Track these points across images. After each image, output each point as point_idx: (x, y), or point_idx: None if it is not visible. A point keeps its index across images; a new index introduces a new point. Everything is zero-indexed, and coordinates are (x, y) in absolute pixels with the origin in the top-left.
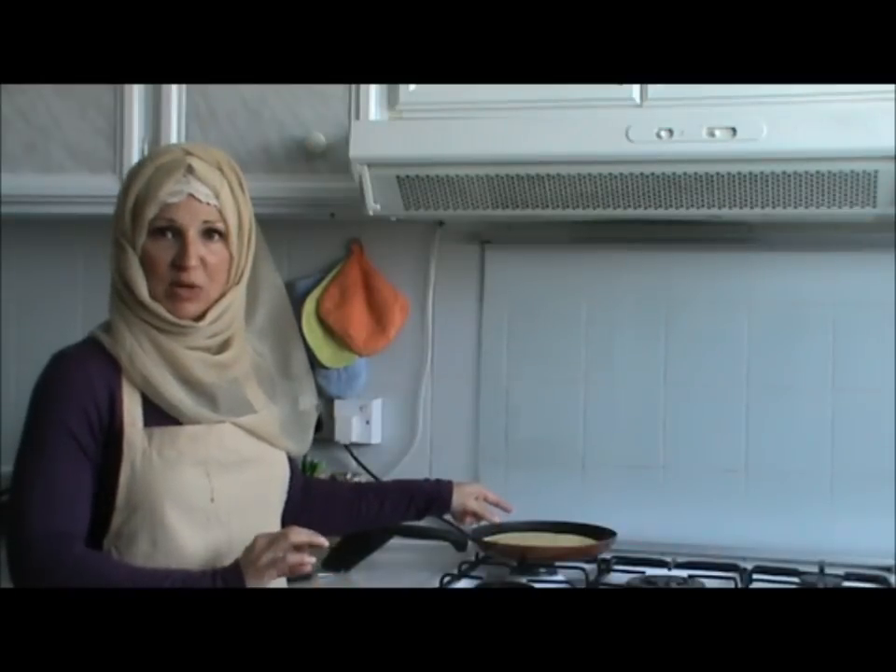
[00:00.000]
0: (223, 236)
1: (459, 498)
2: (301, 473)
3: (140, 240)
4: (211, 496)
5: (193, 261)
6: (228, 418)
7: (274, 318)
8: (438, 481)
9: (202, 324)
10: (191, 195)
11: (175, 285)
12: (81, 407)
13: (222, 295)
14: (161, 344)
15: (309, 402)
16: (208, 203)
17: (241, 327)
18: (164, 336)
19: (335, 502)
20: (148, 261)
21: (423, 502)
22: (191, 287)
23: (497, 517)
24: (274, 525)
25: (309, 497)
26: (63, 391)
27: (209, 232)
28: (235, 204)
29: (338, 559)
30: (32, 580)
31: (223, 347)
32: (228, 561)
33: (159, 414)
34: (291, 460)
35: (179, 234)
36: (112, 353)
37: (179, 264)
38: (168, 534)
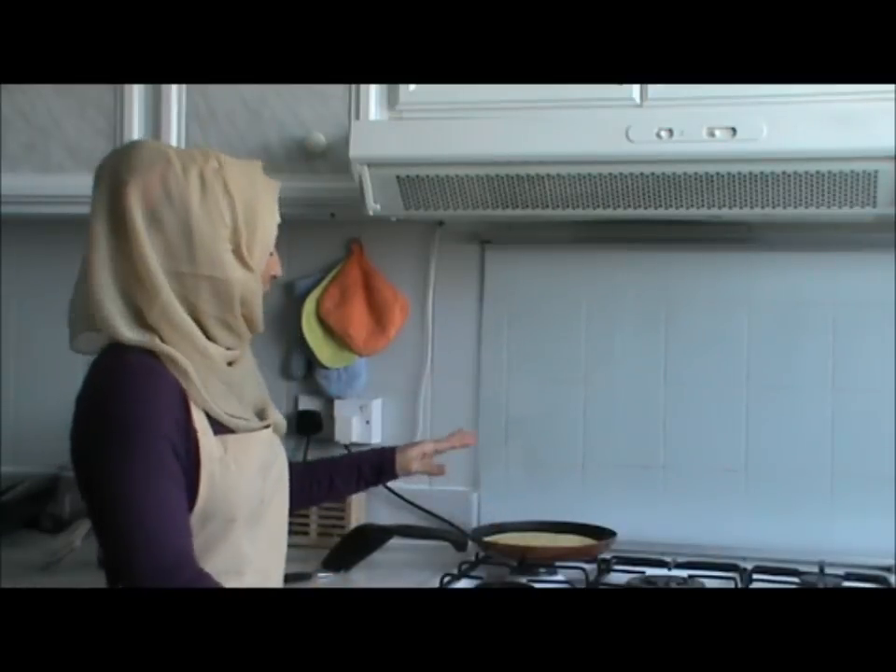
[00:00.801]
0: None
1: (402, 463)
2: None
3: (261, 264)
4: (262, 497)
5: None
6: (264, 421)
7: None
8: (382, 449)
9: (262, 329)
10: None
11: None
12: (173, 417)
13: None
14: (216, 358)
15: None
16: None
17: None
18: (216, 348)
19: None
20: (262, 279)
21: (370, 473)
22: None
23: (443, 470)
24: (287, 519)
25: None
26: (155, 401)
27: None
28: None
29: (338, 559)
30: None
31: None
32: (264, 559)
33: (218, 424)
34: None
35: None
36: (170, 367)
37: (275, 275)
38: (238, 539)
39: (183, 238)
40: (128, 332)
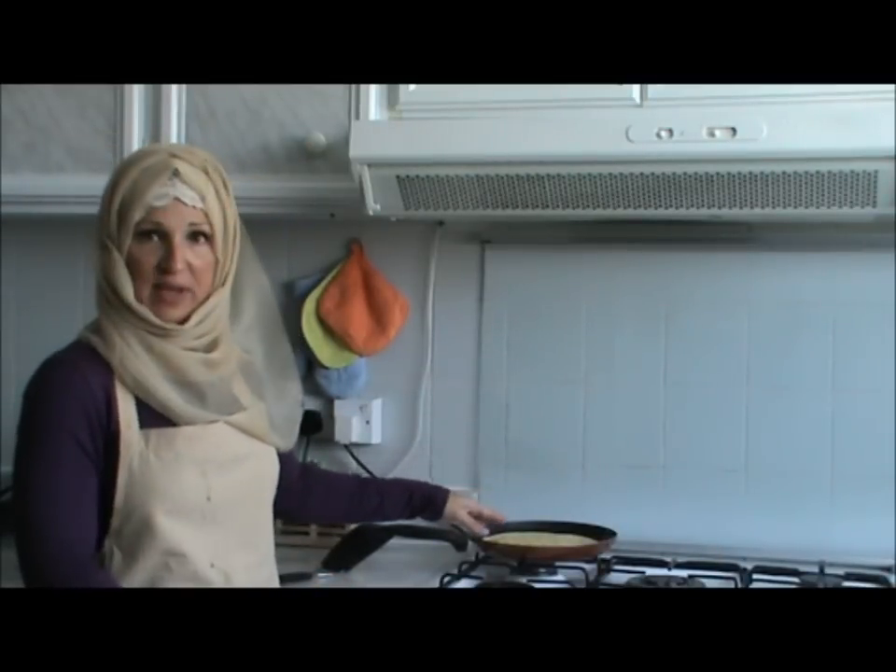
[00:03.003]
0: (208, 239)
1: (452, 507)
2: (299, 461)
3: (126, 242)
4: (207, 494)
5: (180, 265)
6: (218, 417)
7: (261, 316)
8: (437, 486)
9: (187, 326)
10: (177, 198)
11: (160, 287)
12: (83, 411)
13: (207, 297)
14: (151, 345)
15: (295, 397)
16: (194, 207)
17: (226, 327)
18: (154, 337)
19: (337, 491)
20: (134, 264)
21: (420, 503)
22: (178, 289)
23: (486, 531)
24: (266, 520)
25: (309, 483)
26: (63, 397)
27: (195, 235)
28: (221, 207)
29: (338, 559)
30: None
31: (210, 347)
32: (224, 558)
33: (153, 416)
34: (283, 452)
35: (165, 237)
36: (104, 356)
37: (165, 267)
38: (166, 534)
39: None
40: (84, 331)
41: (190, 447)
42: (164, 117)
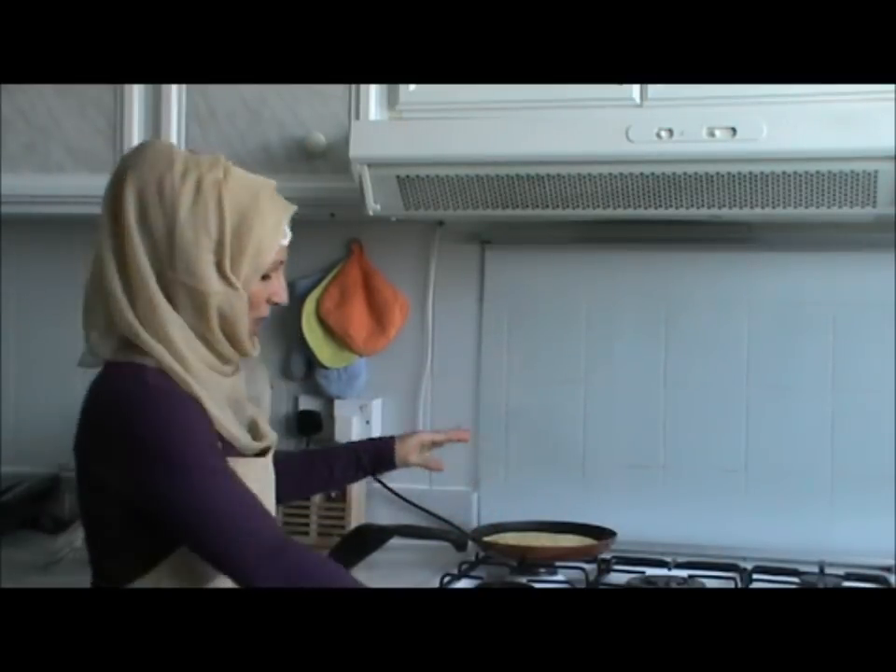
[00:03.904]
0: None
1: (402, 453)
2: None
3: (253, 282)
4: None
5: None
6: (263, 444)
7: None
8: (381, 438)
9: (257, 351)
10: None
11: (261, 319)
12: (209, 427)
13: None
14: (216, 379)
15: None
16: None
17: None
18: (218, 368)
19: (285, 473)
20: (252, 301)
21: (369, 461)
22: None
23: (443, 465)
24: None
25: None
26: (193, 413)
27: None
28: None
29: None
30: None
31: (235, 372)
32: None
33: (227, 446)
34: None
35: (276, 271)
36: (185, 387)
37: (276, 301)
38: None
39: (167, 240)
40: (116, 351)
41: (257, 477)
42: (164, 117)
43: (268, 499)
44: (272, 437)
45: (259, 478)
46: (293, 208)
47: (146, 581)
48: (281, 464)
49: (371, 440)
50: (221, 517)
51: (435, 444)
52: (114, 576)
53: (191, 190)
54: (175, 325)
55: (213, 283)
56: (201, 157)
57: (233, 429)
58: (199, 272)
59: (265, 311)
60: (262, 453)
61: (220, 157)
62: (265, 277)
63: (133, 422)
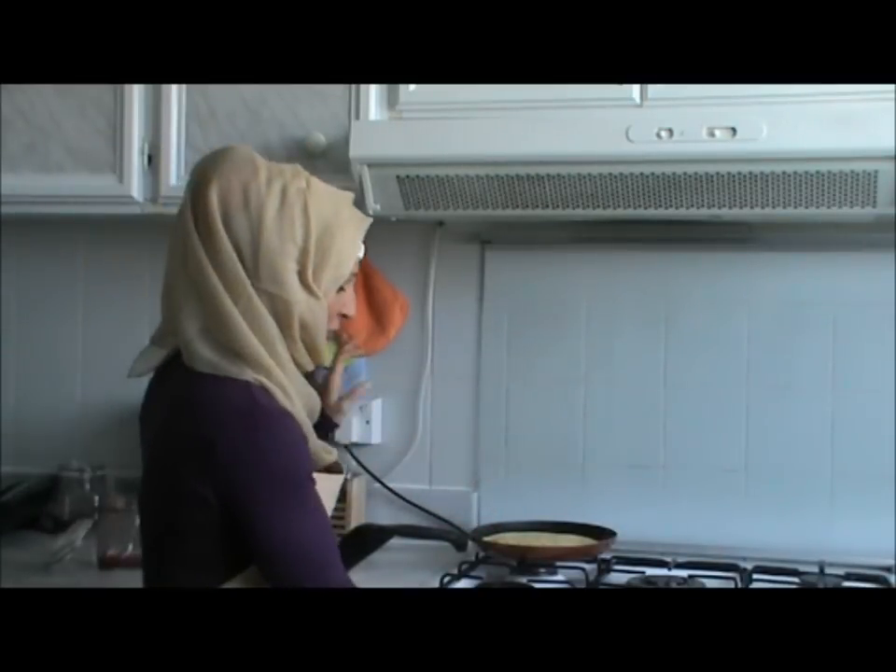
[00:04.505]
0: None
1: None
2: None
3: (332, 292)
4: None
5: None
6: (333, 457)
7: None
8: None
9: (328, 363)
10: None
11: (333, 331)
12: (307, 460)
13: None
14: (304, 391)
15: None
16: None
17: None
18: (304, 380)
19: None
20: (330, 312)
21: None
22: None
23: (364, 387)
24: None
25: None
26: (300, 440)
27: None
28: None
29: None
30: None
31: None
32: None
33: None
34: None
35: (348, 284)
36: (283, 403)
37: (347, 313)
38: None
39: (251, 247)
40: (223, 362)
41: (333, 490)
42: (164, 117)
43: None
44: (334, 450)
45: (333, 493)
46: (369, 220)
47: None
48: None
49: None
50: (306, 555)
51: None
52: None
53: (277, 198)
54: (279, 337)
55: (296, 291)
56: (283, 166)
57: (317, 444)
58: (283, 279)
59: (336, 323)
60: (332, 467)
61: (299, 167)
62: (340, 289)
63: (250, 441)
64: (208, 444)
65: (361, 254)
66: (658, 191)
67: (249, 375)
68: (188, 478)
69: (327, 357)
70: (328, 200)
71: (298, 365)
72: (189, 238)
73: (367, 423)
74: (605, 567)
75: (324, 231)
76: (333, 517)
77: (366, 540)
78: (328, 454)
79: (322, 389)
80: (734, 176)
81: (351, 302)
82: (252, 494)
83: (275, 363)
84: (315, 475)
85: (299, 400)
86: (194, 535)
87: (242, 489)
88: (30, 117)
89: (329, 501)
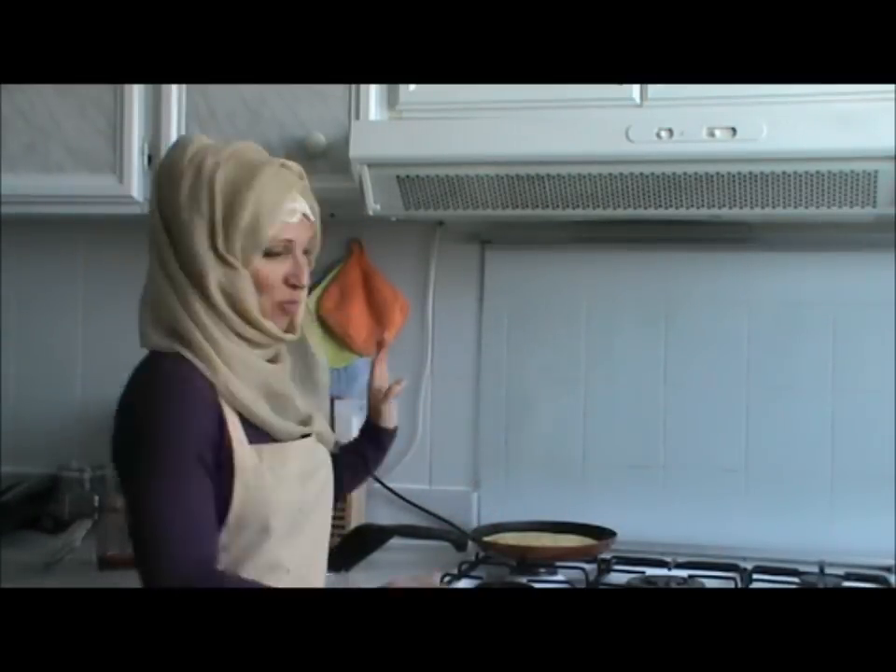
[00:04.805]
0: (309, 253)
1: (377, 413)
2: None
3: (254, 259)
4: (300, 506)
5: (306, 280)
6: (308, 430)
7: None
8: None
9: (294, 335)
10: (304, 214)
11: (285, 302)
12: (204, 426)
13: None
14: (247, 363)
15: (324, 388)
16: (312, 222)
17: None
18: (251, 353)
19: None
20: (261, 280)
21: (369, 436)
22: (298, 303)
23: (401, 385)
24: (329, 524)
25: None
26: (186, 410)
27: (307, 250)
28: (318, 221)
29: (338, 559)
30: None
31: (277, 357)
32: (301, 566)
33: (257, 433)
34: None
35: (290, 252)
36: (204, 373)
37: (294, 283)
38: (275, 548)
39: (173, 226)
40: (157, 339)
41: (295, 461)
42: (164, 117)
43: (315, 485)
44: (320, 429)
45: (301, 461)
46: (300, 182)
47: None
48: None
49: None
50: (155, 530)
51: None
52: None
53: (191, 174)
54: (205, 311)
55: (208, 262)
56: (223, 143)
57: (264, 414)
58: (195, 252)
59: (286, 294)
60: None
61: (232, 143)
62: (272, 256)
63: (134, 413)
64: (116, 412)
65: (294, 219)
66: (658, 191)
67: (178, 349)
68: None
69: (271, 329)
70: (244, 167)
71: (249, 342)
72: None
73: None
74: (605, 567)
75: (233, 198)
76: (333, 517)
77: (366, 540)
78: (287, 424)
79: (369, 395)
80: (734, 176)
81: (298, 270)
82: (122, 459)
83: (203, 337)
84: (262, 448)
85: (240, 376)
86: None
87: (119, 456)
88: (30, 117)
89: (292, 469)
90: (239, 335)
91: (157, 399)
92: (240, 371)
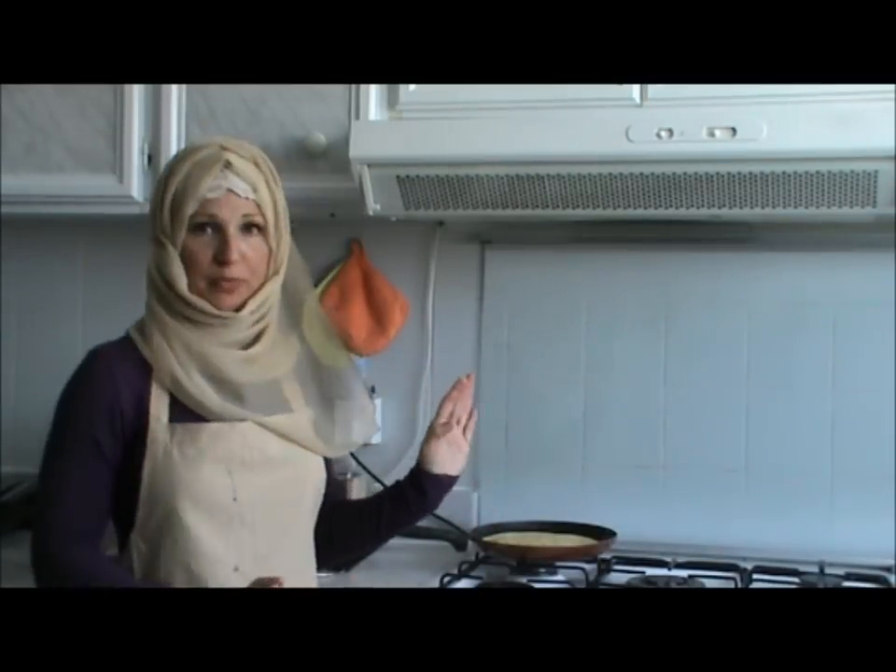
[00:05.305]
0: (261, 230)
1: (427, 457)
2: (336, 485)
3: (180, 236)
4: (234, 495)
5: (235, 255)
6: (254, 416)
7: (311, 312)
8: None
9: (242, 314)
10: (230, 190)
11: (216, 279)
12: (106, 407)
13: (261, 286)
14: (189, 342)
15: (345, 399)
16: (247, 198)
17: (274, 320)
18: (197, 333)
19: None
20: (189, 257)
21: (409, 487)
22: (233, 280)
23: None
24: (306, 528)
25: (330, 511)
26: (88, 391)
27: (248, 227)
28: (272, 198)
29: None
30: (50, 584)
31: (254, 341)
32: (253, 564)
33: (186, 412)
34: (329, 464)
35: (219, 229)
36: (142, 351)
37: (221, 259)
38: (186, 531)
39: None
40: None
41: (214, 444)
42: (164, 117)
43: (261, 477)
44: (297, 421)
45: (229, 445)
46: (221, 157)
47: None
48: (345, 510)
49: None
50: (43, 499)
51: (446, 424)
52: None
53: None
54: (151, 293)
55: (149, 246)
56: (201, 143)
57: (194, 392)
58: (149, 241)
59: (216, 271)
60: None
61: (218, 141)
62: (197, 232)
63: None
64: None
65: (213, 194)
66: (658, 191)
67: (129, 330)
68: None
69: (201, 304)
70: (177, 156)
71: (188, 319)
72: None
73: None
74: (605, 567)
75: (164, 184)
76: None
77: None
78: (229, 405)
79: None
80: (734, 176)
81: (225, 248)
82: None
83: (149, 318)
84: (199, 425)
85: (176, 354)
86: None
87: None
88: (30, 117)
89: (219, 452)
90: (178, 314)
91: (73, 379)
92: (177, 349)
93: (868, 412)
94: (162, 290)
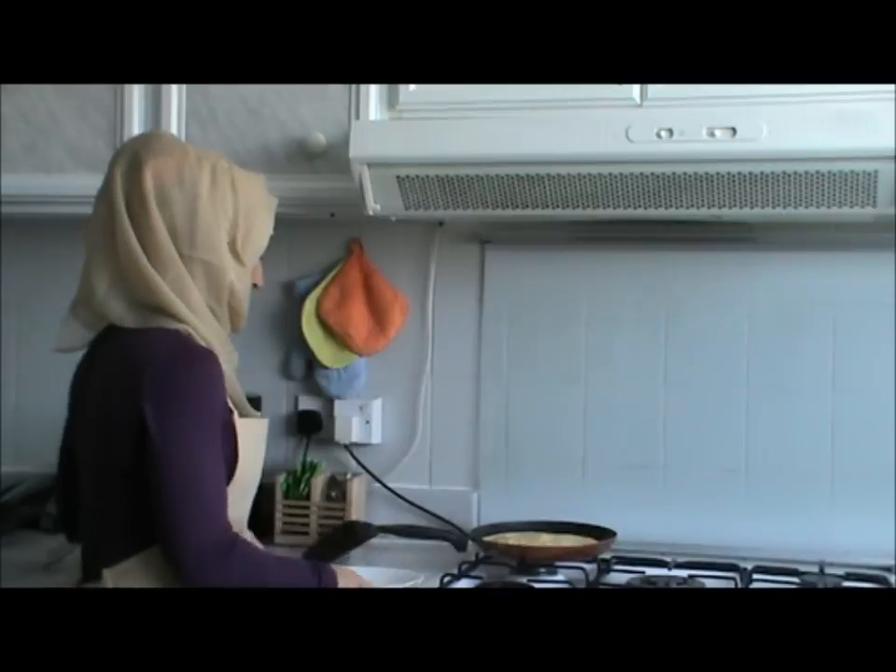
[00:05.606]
0: None
1: None
2: None
3: (251, 265)
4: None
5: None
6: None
7: None
8: None
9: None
10: None
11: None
12: (224, 401)
13: None
14: (228, 353)
15: None
16: None
17: None
18: (228, 342)
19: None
20: (247, 280)
21: None
22: None
23: None
24: None
25: None
26: (216, 389)
27: None
28: None
29: (320, 552)
30: (243, 570)
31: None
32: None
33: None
34: None
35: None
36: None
37: (258, 284)
38: (239, 510)
39: (187, 220)
40: (146, 319)
41: (263, 435)
42: (164, 117)
43: (261, 461)
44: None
45: (262, 436)
46: (276, 200)
47: (119, 570)
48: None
49: None
50: (193, 491)
51: None
52: (101, 558)
53: (209, 175)
54: (199, 299)
55: (227, 259)
56: (206, 150)
57: (241, 394)
58: (217, 247)
59: (252, 292)
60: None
61: (219, 153)
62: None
63: (170, 376)
64: (138, 385)
65: (272, 231)
66: (658, 191)
67: (175, 325)
68: (122, 425)
69: (244, 324)
70: (248, 178)
71: (222, 326)
72: (118, 216)
73: (367, 423)
74: (605, 567)
75: (249, 206)
76: (333, 517)
77: (349, 536)
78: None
79: None
80: (734, 176)
81: (260, 274)
82: (163, 425)
83: (200, 321)
84: (244, 420)
85: (222, 353)
86: (115, 499)
87: (157, 421)
88: (30, 117)
89: (259, 444)
90: (220, 325)
91: (200, 375)
92: (221, 354)
93: (868, 412)
94: (223, 303)
